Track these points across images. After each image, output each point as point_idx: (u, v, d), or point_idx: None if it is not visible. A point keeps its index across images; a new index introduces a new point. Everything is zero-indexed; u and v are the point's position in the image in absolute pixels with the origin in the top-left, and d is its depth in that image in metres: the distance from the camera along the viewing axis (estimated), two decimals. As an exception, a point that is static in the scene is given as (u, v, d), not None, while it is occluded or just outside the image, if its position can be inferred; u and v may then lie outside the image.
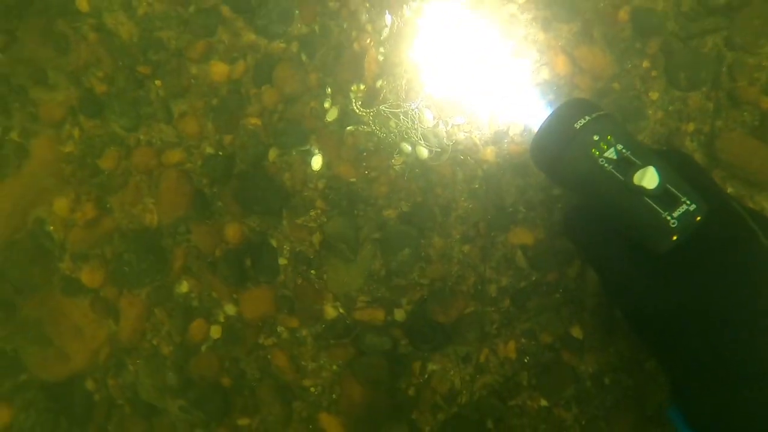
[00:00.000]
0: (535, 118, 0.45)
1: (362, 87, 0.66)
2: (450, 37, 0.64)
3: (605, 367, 0.63)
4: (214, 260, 0.71)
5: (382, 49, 0.66)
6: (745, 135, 0.60)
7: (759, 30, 0.59)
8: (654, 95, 0.62)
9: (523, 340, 0.65)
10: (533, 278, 0.64)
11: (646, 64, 0.62)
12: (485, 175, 0.65)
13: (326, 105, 0.67)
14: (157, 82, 0.71)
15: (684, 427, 0.42)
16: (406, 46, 0.65)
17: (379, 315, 0.67)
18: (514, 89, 0.63)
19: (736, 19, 0.60)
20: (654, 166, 0.38)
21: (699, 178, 0.43)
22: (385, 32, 0.66)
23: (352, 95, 0.66)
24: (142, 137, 0.72)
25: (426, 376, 0.67)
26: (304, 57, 0.68)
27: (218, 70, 0.70)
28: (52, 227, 0.75)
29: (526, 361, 0.65)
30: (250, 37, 0.69)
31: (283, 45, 0.68)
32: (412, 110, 0.64)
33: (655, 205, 0.38)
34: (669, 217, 0.37)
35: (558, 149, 0.42)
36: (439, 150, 0.65)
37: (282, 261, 0.70)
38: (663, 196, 0.38)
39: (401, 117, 0.65)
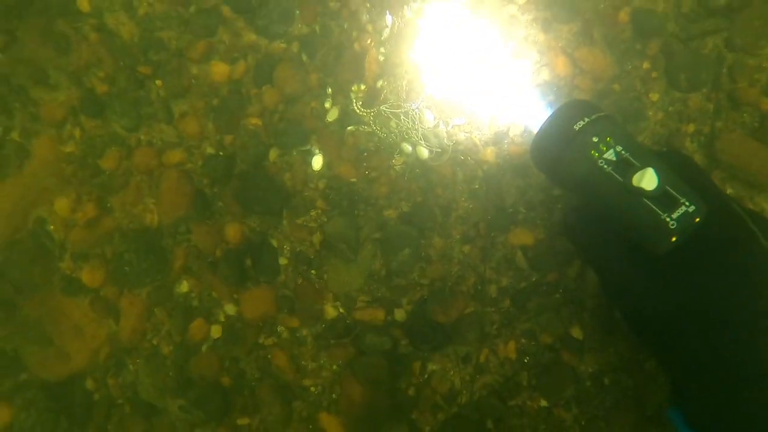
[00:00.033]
0: (536, 119, 0.46)
1: (363, 87, 0.66)
2: (450, 38, 0.65)
3: (605, 368, 0.64)
4: (215, 260, 0.71)
5: (382, 50, 0.66)
6: (745, 136, 0.60)
7: (759, 31, 0.60)
8: (654, 96, 0.62)
9: (523, 341, 0.65)
10: (533, 279, 0.65)
11: (646, 65, 0.62)
12: (485, 176, 0.65)
13: (327, 105, 0.68)
14: (158, 82, 0.72)
15: (684, 428, 0.42)
16: (407, 46, 0.65)
17: (379, 315, 0.67)
18: (515, 90, 0.64)
19: (737, 21, 0.60)
20: (653, 168, 0.38)
21: (698, 179, 0.44)
22: (386, 32, 0.66)
23: (352, 95, 0.67)
24: (142, 137, 0.73)
25: (426, 376, 0.68)
26: (304, 57, 0.68)
27: (219, 70, 0.70)
28: (52, 227, 0.75)
29: (526, 361, 0.65)
30: (250, 37, 0.70)
31: (283, 45, 0.69)
32: (413, 110, 0.65)
33: (654, 207, 0.38)
34: (668, 219, 0.38)
35: (557, 151, 0.42)
36: (440, 150, 0.65)
37: (282, 261, 0.70)
38: (662, 197, 0.38)
39: (402, 117, 0.65)
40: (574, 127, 0.41)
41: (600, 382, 0.64)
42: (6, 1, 0.74)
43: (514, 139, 0.64)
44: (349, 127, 0.67)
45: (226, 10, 0.69)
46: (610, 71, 0.62)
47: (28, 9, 0.74)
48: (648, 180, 0.38)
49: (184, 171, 0.71)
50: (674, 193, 0.38)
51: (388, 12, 0.66)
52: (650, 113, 0.62)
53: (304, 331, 0.70)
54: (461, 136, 0.65)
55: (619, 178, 0.39)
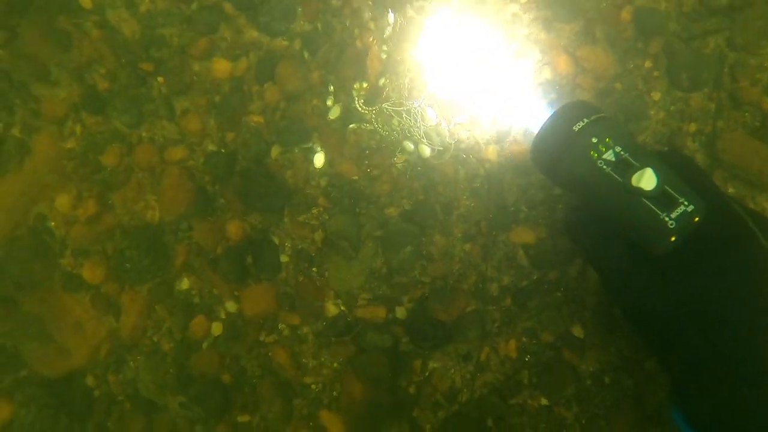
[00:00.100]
0: (537, 118, 0.47)
1: (365, 85, 0.67)
2: (452, 36, 0.66)
3: (606, 366, 0.65)
4: (216, 257, 0.73)
5: (384, 47, 0.67)
6: (746, 136, 0.61)
7: (761, 31, 0.61)
8: (656, 95, 0.63)
9: (524, 339, 0.66)
10: (534, 277, 0.66)
11: (648, 64, 0.63)
12: (487, 174, 0.66)
13: (329, 103, 0.69)
14: (160, 79, 0.72)
15: (686, 427, 0.43)
16: (409, 44, 0.66)
17: (380, 313, 0.68)
18: (517, 89, 0.65)
19: (738, 20, 0.61)
20: (652, 168, 0.39)
21: (698, 179, 0.44)
22: (388, 30, 0.67)
23: (354, 93, 0.68)
24: (144, 134, 0.74)
25: (427, 374, 0.69)
26: (306, 54, 0.69)
27: (221, 67, 0.71)
28: (53, 223, 0.76)
29: (526, 359, 0.66)
30: (252, 34, 0.70)
31: (285, 42, 0.70)
32: (415, 108, 0.66)
33: (653, 207, 0.39)
34: (667, 218, 0.39)
35: (557, 152, 0.43)
36: (442, 148, 0.66)
37: (283, 258, 0.71)
38: (661, 197, 0.39)
39: (404, 115, 0.66)
40: (574, 128, 0.42)
41: (600, 380, 0.65)
42: (7, -3, 0.75)
43: (516, 138, 0.65)
44: (351, 125, 0.68)
45: (227, 7, 0.70)
46: (612, 70, 0.63)
47: (30, 5, 0.75)
48: (647, 180, 0.39)
49: (185, 168, 0.73)
50: (673, 192, 0.39)
51: (390, 10, 0.67)
52: (652, 112, 0.63)
53: (305, 329, 0.71)
54: (463, 135, 0.66)
55: (618, 178, 0.40)
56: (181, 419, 0.74)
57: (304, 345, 0.71)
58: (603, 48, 0.63)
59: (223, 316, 0.73)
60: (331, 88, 0.69)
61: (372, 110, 0.67)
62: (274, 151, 0.70)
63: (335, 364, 0.71)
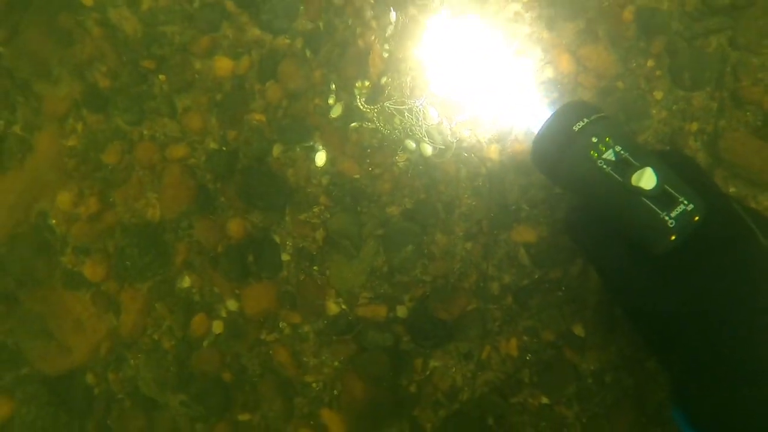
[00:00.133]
0: (539, 117, 0.47)
1: (367, 83, 0.68)
2: (454, 35, 0.66)
3: (606, 366, 0.65)
4: (217, 255, 0.73)
5: (386, 46, 0.68)
6: (748, 135, 0.62)
7: (763, 30, 0.61)
8: (658, 95, 0.64)
9: (525, 338, 0.67)
10: (536, 276, 0.67)
11: (650, 63, 0.64)
12: (489, 173, 0.67)
13: (330, 101, 0.69)
14: (161, 77, 0.73)
15: (686, 427, 0.44)
16: (411, 43, 0.67)
17: (381, 311, 0.69)
18: (518, 87, 0.65)
19: (741, 19, 0.62)
20: (652, 167, 0.39)
21: (699, 178, 0.45)
22: (390, 29, 0.68)
23: (356, 92, 0.68)
24: (145, 132, 0.74)
25: (428, 373, 0.69)
26: (308, 53, 0.70)
27: (222, 65, 0.72)
28: (54, 221, 0.77)
29: (527, 358, 0.67)
30: (254, 32, 0.71)
31: (287, 41, 0.70)
32: (417, 107, 0.67)
33: (653, 206, 0.40)
34: (667, 217, 0.39)
35: (557, 152, 0.44)
36: (443, 147, 0.67)
37: (285, 257, 0.72)
38: (661, 196, 0.40)
39: (406, 114, 0.67)
40: (574, 128, 0.43)
41: (601, 379, 0.66)
42: (8, -5, 0.76)
43: (518, 137, 0.66)
44: (352, 124, 0.69)
45: (229, 5, 0.71)
46: (614, 69, 0.64)
47: (31, 3, 0.76)
48: (647, 179, 0.39)
49: (186, 166, 0.73)
50: (673, 192, 0.40)
51: (392, 8, 0.67)
52: (654, 111, 0.64)
53: (306, 328, 0.72)
54: (465, 133, 0.67)
55: (618, 177, 0.41)
56: (181, 417, 0.75)
57: (305, 343, 0.72)
58: (605, 47, 0.64)
59: (223, 314, 0.74)
60: (333, 86, 0.69)
61: (374, 109, 0.68)
62: (276, 150, 0.71)
63: (336, 363, 0.72)
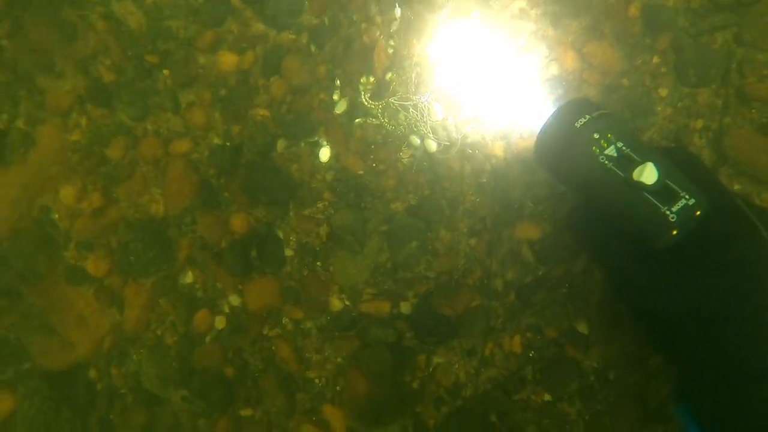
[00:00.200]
0: (543, 114, 0.49)
1: (371, 79, 0.70)
2: (460, 31, 0.68)
3: (609, 363, 0.67)
4: (220, 251, 0.75)
5: (391, 42, 0.69)
6: (753, 132, 0.64)
7: (769, 27, 0.63)
8: (663, 92, 0.65)
9: (528, 335, 0.69)
10: (539, 273, 0.68)
11: (655, 60, 0.65)
12: (493, 170, 0.68)
13: (335, 97, 0.71)
14: (165, 72, 0.75)
15: (690, 423, 0.45)
16: (416, 39, 0.69)
17: (384, 307, 0.71)
18: (523, 84, 0.67)
19: (747, 16, 0.63)
20: (653, 162, 0.41)
21: (702, 175, 0.46)
22: (395, 25, 0.69)
23: (361, 87, 0.70)
24: (149, 127, 0.76)
25: (431, 369, 0.71)
26: (313, 48, 0.71)
27: (227, 60, 0.73)
28: (57, 216, 0.79)
29: (531, 355, 0.69)
30: (259, 27, 0.73)
31: (292, 36, 0.72)
32: (422, 103, 0.68)
33: (654, 201, 0.41)
34: (668, 212, 0.41)
35: (560, 148, 0.46)
36: (448, 143, 0.68)
37: (288, 252, 0.73)
38: (662, 191, 0.41)
39: (410, 110, 0.68)
40: (576, 124, 0.44)
41: (604, 377, 0.67)
42: (12, -12, 0.78)
43: (523, 134, 0.67)
44: (357, 119, 0.70)
45: (234, 0, 0.73)
46: (619, 66, 0.65)
47: (35, -4, 0.78)
48: (648, 174, 0.41)
49: (190, 161, 0.75)
50: (675, 187, 0.41)
51: (397, 4, 0.69)
52: (659, 108, 0.65)
53: (309, 323, 0.74)
54: (470, 130, 0.68)
55: (619, 173, 0.42)
56: (183, 413, 0.77)
57: (307, 339, 0.74)
58: (610, 44, 0.65)
59: (226, 309, 0.76)
60: (338, 82, 0.71)
61: (378, 105, 0.69)
62: (280, 145, 0.73)
63: (339, 359, 0.73)
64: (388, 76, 0.69)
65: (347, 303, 0.72)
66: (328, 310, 0.73)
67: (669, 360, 0.50)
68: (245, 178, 0.73)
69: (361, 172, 0.71)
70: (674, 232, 0.41)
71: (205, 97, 0.74)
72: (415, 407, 0.71)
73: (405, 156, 0.70)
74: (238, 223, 0.74)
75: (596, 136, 0.43)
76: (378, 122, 0.70)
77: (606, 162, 0.43)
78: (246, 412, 0.76)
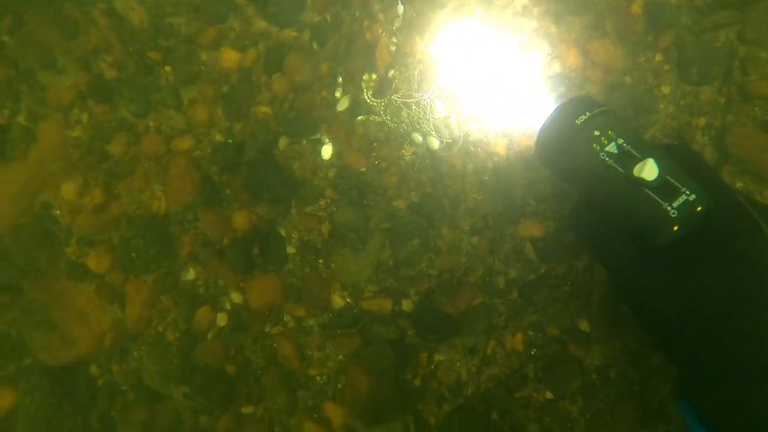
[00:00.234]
0: (546, 112, 0.49)
1: (374, 76, 0.70)
2: (462, 29, 0.69)
3: (611, 361, 0.68)
4: (222, 248, 0.76)
5: (394, 39, 0.70)
6: (756, 130, 0.64)
7: (772, 25, 0.63)
8: (666, 89, 0.66)
9: (530, 333, 0.69)
10: (542, 271, 0.69)
11: (658, 57, 0.66)
12: (496, 168, 0.69)
13: (337, 94, 0.72)
14: (168, 69, 0.76)
15: (693, 422, 0.45)
16: (419, 36, 0.69)
17: (386, 305, 0.72)
18: (526, 82, 0.67)
19: (750, 14, 0.64)
20: (653, 158, 0.41)
21: (703, 172, 0.46)
22: (398, 22, 0.70)
23: (363, 85, 0.71)
24: (151, 124, 0.77)
25: (432, 367, 0.72)
26: (315, 46, 0.72)
27: (229, 57, 0.74)
28: (58, 212, 0.80)
29: (532, 353, 0.70)
30: (261, 24, 0.74)
31: (294, 33, 0.73)
32: (424, 100, 0.69)
33: (655, 197, 0.42)
34: (669, 208, 0.41)
35: (561, 145, 0.46)
36: (450, 141, 0.69)
37: (290, 250, 0.74)
38: (663, 187, 0.42)
39: (413, 107, 0.69)
40: (577, 121, 0.45)
41: (606, 375, 0.68)
42: (14, -17, 0.78)
43: (525, 132, 0.68)
44: (359, 117, 0.71)
45: (237, -3, 0.74)
46: (622, 63, 0.66)
47: (37, -8, 0.78)
48: (648, 170, 0.41)
49: (192, 158, 0.76)
50: (675, 182, 0.42)
51: (399, 1, 0.70)
52: (661, 106, 0.66)
53: (311, 321, 0.75)
54: (472, 128, 0.69)
55: (620, 169, 0.43)
56: (184, 410, 0.78)
57: (309, 337, 0.75)
58: (613, 41, 0.66)
59: (228, 307, 0.77)
60: (340, 79, 0.72)
61: (381, 102, 0.70)
62: (282, 142, 0.73)
63: (340, 356, 0.74)
64: (391, 73, 0.70)
65: (349, 300, 0.73)
66: (329, 307, 0.74)
67: (670, 359, 0.50)
68: (247, 176, 0.74)
69: (363, 169, 0.72)
70: (675, 228, 0.42)
71: (207, 94, 0.75)
72: (416, 405, 0.72)
73: (407, 153, 0.70)
74: (240, 220, 0.75)
75: (597, 132, 0.44)
76: (380, 120, 0.71)
77: (607, 158, 0.44)
78: (247, 410, 0.76)
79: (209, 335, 0.77)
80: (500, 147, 0.69)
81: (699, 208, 0.42)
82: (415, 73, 0.69)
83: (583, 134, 0.45)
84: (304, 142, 0.73)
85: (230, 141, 0.75)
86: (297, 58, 0.72)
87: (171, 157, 0.76)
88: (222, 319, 0.77)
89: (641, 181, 0.41)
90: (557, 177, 0.51)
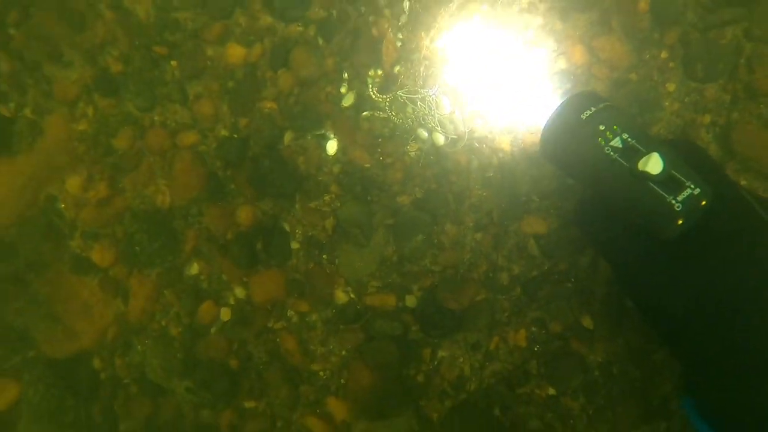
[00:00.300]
0: (551, 108, 0.50)
1: (379, 72, 0.71)
2: (468, 25, 0.69)
3: (613, 358, 0.68)
4: (226, 243, 0.76)
5: (400, 35, 0.71)
6: (761, 127, 0.65)
7: (778, 23, 0.64)
8: (671, 86, 0.66)
9: (533, 329, 0.70)
10: (545, 267, 0.69)
11: (663, 54, 0.66)
12: (500, 164, 0.69)
13: (343, 90, 0.72)
14: (173, 63, 0.76)
15: (697, 418, 0.46)
16: (425, 32, 0.70)
17: (390, 300, 0.72)
18: (531, 78, 0.68)
19: (756, 11, 0.64)
20: (658, 153, 0.42)
21: (708, 168, 0.47)
22: (404, 18, 0.70)
23: (369, 80, 0.71)
24: (156, 118, 0.78)
25: (435, 363, 0.72)
26: (321, 41, 0.73)
27: (235, 52, 0.75)
28: (63, 205, 0.80)
29: (535, 349, 0.70)
30: (267, 20, 0.74)
31: (300, 29, 0.73)
32: (430, 96, 0.69)
33: (659, 191, 0.42)
34: (673, 201, 0.42)
35: (566, 140, 0.47)
36: (455, 137, 0.70)
37: (294, 245, 0.75)
38: (668, 181, 0.42)
39: (418, 103, 0.70)
40: (581, 116, 0.45)
41: (608, 371, 0.69)
42: (20, -23, 0.79)
43: (530, 128, 0.69)
44: (364, 112, 0.72)
45: (243, -8, 0.74)
46: (627, 60, 0.67)
47: (44, -15, 0.79)
48: (653, 164, 0.42)
49: (197, 153, 0.76)
50: (680, 177, 0.42)
51: (406, -3, 0.70)
52: (666, 103, 0.67)
53: (314, 316, 0.75)
54: (477, 124, 0.69)
55: (625, 163, 0.43)
56: (187, 404, 0.79)
57: (312, 332, 0.75)
58: (618, 38, 0.67)
59: (231, 301, 0.77)
60: (346, 75, 0.72)
61: (386, 98, 0.71)
62: (287, 138, 0.74)
63: (343, 352, 0.75)
64: (396, 69, 0.71)
65: (352, 296, 0.74)
66: (333, 302, 0.74)
67: (674, 355, 0.51)
68: (252, 171, 0.75)
69: (367, 165, 0.72)
70: (680, 222, 0.42)
71: (212, 89, 0.76)
72: (419, 400, 0.73)
73: (412, 149, 0.71)
74: (245, 215, 0.75)
75: (602, 127, 0.45)
76: (385, 115, 0.71)
77: (611, 153, 0.44)
78: (250, 404, 0.77)
79: (212, 330, 0.78)
80: (505, 143, 0.69)
81: (703, 203, 0.42)
82: (421, 69, 0.70)
83: (588, 129, 0.45)
84: (309, 137, 0.74)
85: (235, 136, 0.76)
86: (302, 54, 0.73)
87: (176, 152, 0.77)
88: (225, 314, 0.77)
89: (646, 175, 0.42)
90: (562, 172, 0.52)
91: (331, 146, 0.73)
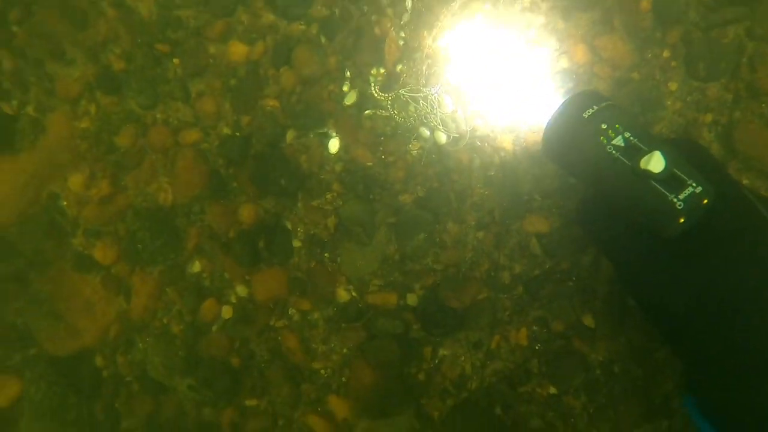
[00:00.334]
0: (553, 107, 0.50)
1: (382, 71, 0.71)
2: (470, 23, 0.69)
3: (615, 356, 0.69)
4: (228, 241, 0.77)
5: (402, 34, 0.71)
6: (763, 127, 0.65)
7: (781, 23, 0.64)
8: (673, 85, 0.67)
9: (534, 328, 0.70)
10: (547, 266, 0.70)
11: (666, 53, 0.67)
12: (502, 163, 0.70)
13: (345, 88, 0.73)
14: (176, 61, 0.77)
15: (698, 416, 0.46)
16: (427, 31, 0.70)
17: (391, 299, 0.73)
18: (533, 77, 0.68)
19: (759, 10, 0.65)
20: (660, 151, 0.42)
21: (710, 167, 0.47)
22: (406, 16, 0.71)
23: (371, 79, 0.72)
24: (159, 116, 0.78)
25: (437, 362, 0.73)
26: (323, 39, 0.73)
27: (237, 50, 0.75)
28: (65, 203, 0.81)
29: (537, 348, 0.70)
30: (269, 18, 0.75)
31: (302, 27, 0.74)
32: (432, 95, 0.70)
33: (661, 189, 0.42)
34: (675, 200, 0.42)
35: (568, 138, 0.47)
36: (458, 136, 0.70)
37: (296, 243, 0.75)
38: (669, 179, 0.42)
39: (420, 102, 0.70)
40: (583, 115, 0.46)
41: (610, 370, 0.69)
42: (22, -26, 0.80)
43: (532, 127, 0.69)
44: (366, 111, 0.72)
45: (245, -10, 0.75)
46: (630, 60, 0.67)
47: (46, -17, 0.80)
48: (655, 163, 0.42)
49: (199, 151, 0.77)
50: (682, 175, 0.42)
51: (408, -5, 0.71)
52: (668, 102, 0.67)
53: (316, 314, 0.76)
54: (479, 123, 0.70)
55: (627, 162, 0.44)
56: (188, 402, 0.79)
57: (314, 330, 0.76)
58: (621, 37, 0.67)
59: (233, 299, 0.78)
60: (348, 73, 0.73)
61: (388, 96, 0.71)
62: (289, 136, 0.74)
63: (345, 350, 0.75)
64: (399, 67, 0.71)
65: (354, 294, 0.74)
66: (335, 301, 0.75)
67: (676, 353, 0.51)
68: (254, 169, 0.75)
69: (370, 163, 0.72)
70: (681, 220, 0.42)
71: (215, 87, 0.76)
72: (420, 399, 0.73)
73: (414, 148, 0.71)
74: (247, 213, 0.76)
75: (604, 126, 0.45)
76: (387, 114, 0.71)
77: (613, 152, 0.44)
78: (251, 402, 0.77)
79: (214, 328, 0.78)
80: (507, 142, 0.69)
81: (705, 201, 0.42)
82: (423, 67, 0.70)
83: (590, 127, 0.45)
84: (312, 135, 0.74)
85: (237, 134, 0.76)
86: (305, 52, 0.73)
87: (178, 150, 0.77)
88: (227, 312, 0.78)
89: (648, 174, 0.42)
90: (564, 171, 0.52)
91: (334, 144, 0.73)
